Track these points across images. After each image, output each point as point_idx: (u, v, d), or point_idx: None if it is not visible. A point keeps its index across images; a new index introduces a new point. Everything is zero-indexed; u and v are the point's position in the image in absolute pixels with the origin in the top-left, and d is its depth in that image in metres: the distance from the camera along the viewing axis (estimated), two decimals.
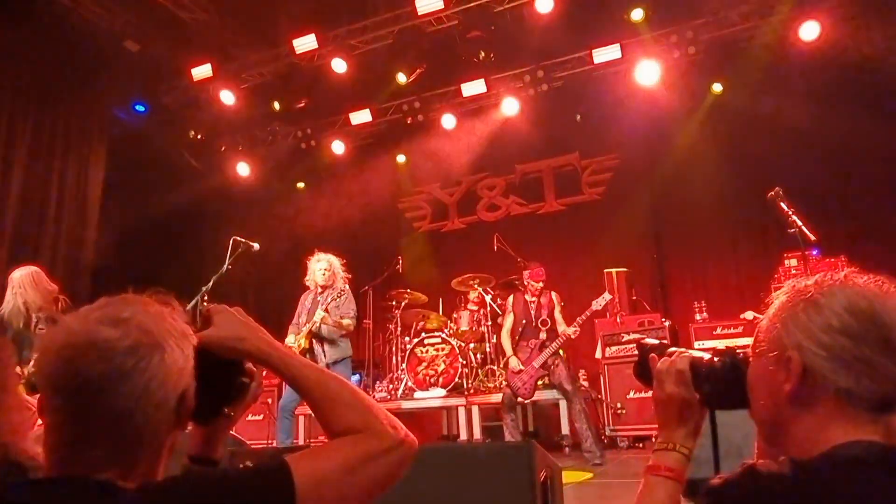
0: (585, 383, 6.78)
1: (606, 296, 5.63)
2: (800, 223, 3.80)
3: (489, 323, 7.05)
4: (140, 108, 9.06)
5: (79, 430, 0.91)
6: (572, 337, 5.54)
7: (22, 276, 4.37)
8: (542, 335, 5.58)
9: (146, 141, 9.09)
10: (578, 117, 8.49)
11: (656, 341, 1.31)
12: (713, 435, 1.21)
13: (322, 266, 5.35)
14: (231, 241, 4.78)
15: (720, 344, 1.35)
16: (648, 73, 7.36)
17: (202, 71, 8.02)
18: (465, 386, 6.66)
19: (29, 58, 7.44)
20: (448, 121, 8.57)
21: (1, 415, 1.12)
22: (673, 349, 1.26)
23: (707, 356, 1.19)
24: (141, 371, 0.91)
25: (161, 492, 0.90)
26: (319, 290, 5.32)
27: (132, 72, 8.25)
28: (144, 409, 0.91)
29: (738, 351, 1.15)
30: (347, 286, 5.33)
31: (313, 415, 1.10)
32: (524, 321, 5.71)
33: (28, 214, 7.59)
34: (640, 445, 6.16)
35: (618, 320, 6.68)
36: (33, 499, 0.89)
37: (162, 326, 0.96)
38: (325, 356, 5.11)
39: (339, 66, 7.76)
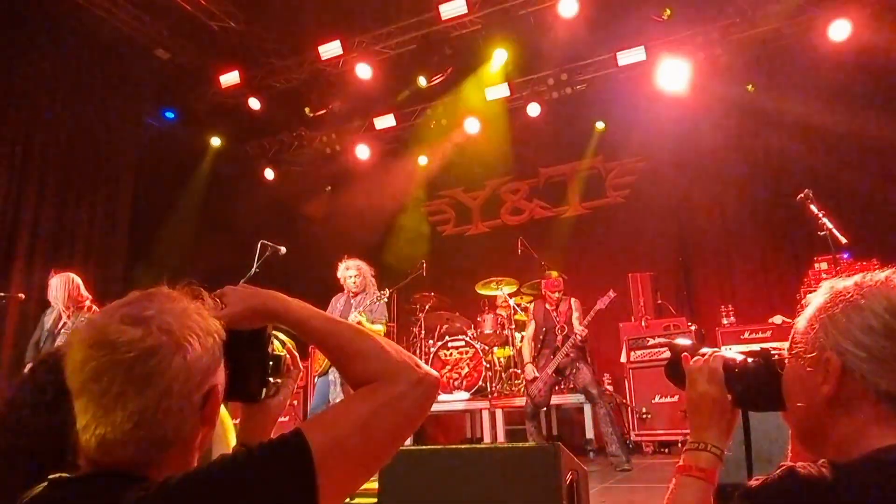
0: (610, 387, 6.74)
1: (611, 293, 5.63)
2: (830, 225, 3.74)
3: (513, 326, 7.05)
4: (170, 114, 9.23)
5: (104, 431, 0.91)
6: (579, 337, 5.53)
7: (56, 280, 4.88)
8: (559, 342, 5.62)
9: (175, 147, 9.26)
10: (601, 125, 8.45)
11: (688, 341, 1.31)
12: (746, 436, 1.20)
13: (352, 273, 5.40)
14: (259, 245, 4.84)
15: (748, 349, 1.35)
16: (673, 75, 7.31)
17: (230, 78, 8.15)
18: (489, 389, 6.66)
19: (63, 66, 7.64)
20: (472, 125, 8.59)
21: None
22: (705, 349, 1.26)
23: (741, 357, 1.19)
24: (162, 372, 0.91)
25: (180, 482, 0.89)
26: (352, 294, 5.38)
27: (162, 79, 8.43)
28: (167, 410, 0.91)
29: (772, 352, 1.15)
30: (379, 291, 5.38)
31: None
32: (545, 329, 5.78)
33: (63, 221, 7.78)
34: (666, 451, 6.10)
35: (643, 324, 6.63)
36: (68, 495, 0.91)
37: (184, 324, 0.95)
38: None
39: (363, 71, 7.84)
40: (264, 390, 1.16)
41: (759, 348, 1.17)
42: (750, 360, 1.16)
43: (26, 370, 1.35)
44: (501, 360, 7.10)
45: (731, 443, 1.19)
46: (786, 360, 1.09)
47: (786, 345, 1.09)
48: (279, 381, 1.19)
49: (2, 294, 5.87)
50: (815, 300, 1.03)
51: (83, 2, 7.11)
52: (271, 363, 1.16)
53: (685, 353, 1.26)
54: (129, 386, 0.89)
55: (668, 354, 1.32)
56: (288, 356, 1.22)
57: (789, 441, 1.20)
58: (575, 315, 5.70)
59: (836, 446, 0.96)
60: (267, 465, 0.91)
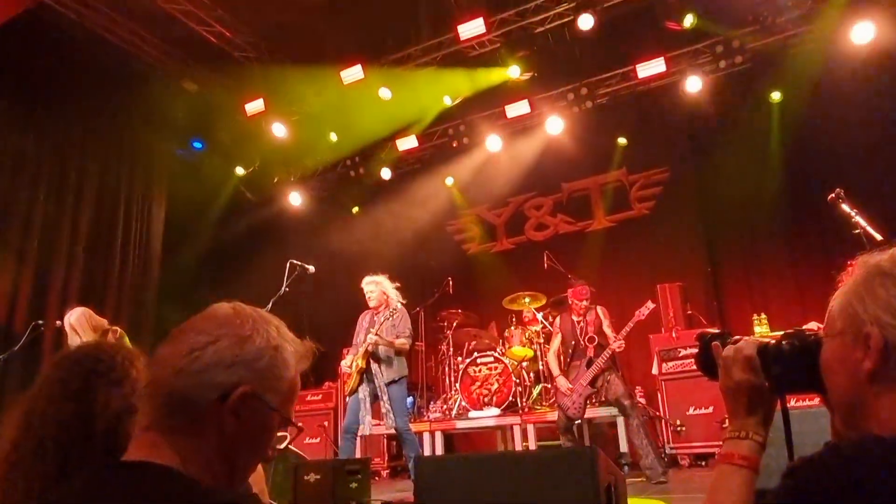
0: (642, 400, 6.64)
1: (650, 304, 5.57)
2: (864, 223, 3.66)
3: (541, 341, 7.01)
4: (198, 144, 9.48)
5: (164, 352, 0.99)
6: (617, 351, 5.48)
7: (77, 318, 4.62)
8: (590, 352, 5.54)
9: (204, 176, 9.49)
10: (623, 141, 8.45)
11: (716, 330, 1.29)
12: (785, 421, 1.17)
13: (370, 288, 5.45)
14: (288, 265, 4.92)
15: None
16: (694, 84, 7.29)
17: (255, 106, 8.34)
18: (520, 405, 6.62)
19: (95, 101, 7.91)
20: (493, 142, 8.65)
21: None
22: (737, 337, 1.24)
23: (774, 341, 1.17)
24: (225, 324, 0.99)
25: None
26: (375, 310, 5.42)
27: (190, 110, 8.67)
28: (207, 361, 0.97)
29: (807, 333, 1.13)
30: (401, 305, 5.40)
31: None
32: (573, 342, 5.69)
33: (97, 252, 8.01)
34: (703, 464, 5.98)
35: (673, 335, 6.54)
36: (111, 480, 0.93)
37: (278, 335, 1.03)
38: (381, 375, 5.18)
39: (385, 94, 7.96)
40: None
41: (793, 330, 1.16)
42: (784, 342, 1.14)
43: (47, 366, 1.40)
44: (531, 374, 7.05)
45: (769, 449, 1.15)
46: (823, 341, 1.08)
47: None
48: None
49: (40, 322, 6.02)
50: (851, 276, 1.02)
51: (113, 38, 7.39)
52: None
53: (715, 342, 1.23)
54: (194, 327, 1.00)
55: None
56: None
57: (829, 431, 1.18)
58: (605, 323, 5.62)
59: (881, 423, 0.94)
60: None
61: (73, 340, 4.39)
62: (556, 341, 5.87)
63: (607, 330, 5.59)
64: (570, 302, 5.85)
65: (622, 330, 5.49)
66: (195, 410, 0.95)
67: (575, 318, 5.73)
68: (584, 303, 5.70)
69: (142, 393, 1.02)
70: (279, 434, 1.06)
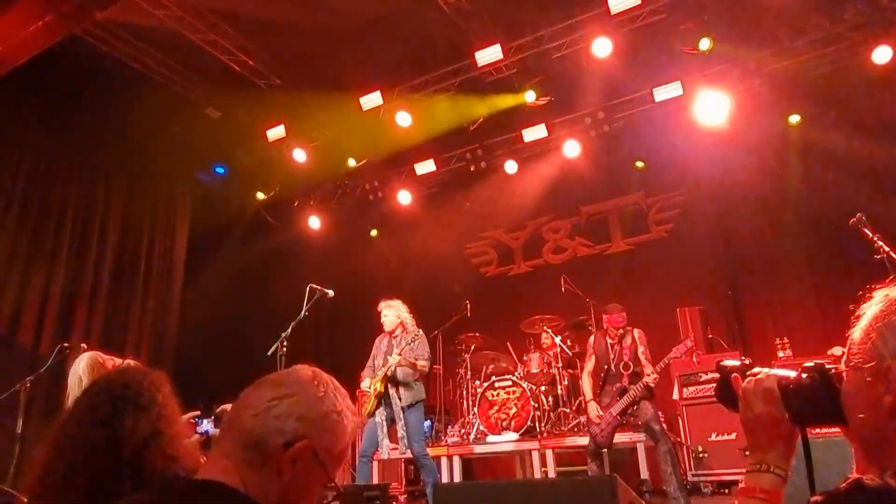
0: (664, 426, 6.54)
1: (688, 342, 5.41)
2: (887, 248, 3.63)
3: (560, 365, 6.97)
4: (220, 169, 9.65)
5: (251, 396, 1.15)
6: (651, 385, 5.31)
7: (83, 367, 4.22)
8: (625, 380, 5.41)
9: (225, 200, 9.65)
10: (640, 164, 8.44)
11: (737, 362, 1.29)
12: (806, 453, 1.17)
13: (386, 314, 5.47)
14: (308, 289, 4.96)
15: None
16: (712, 108, 7.28)
17: (276, 132, 8.49)
18: (538, 429, 6.56)
19: (121, 127, 8.09)
20: (511, 166, 8.69)
21: (173, 440, 1.37)
22: (756, 369, 1.24)
23: (794, 374, 1.17)
24: (299, 382, 1.15)
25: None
26: (393, 334, 5.44)
27: (213, 136, 8.84)
28: (280, 412, 1.11)
29: (827, 366, 1.13)
30: (420, 330, 5.42)
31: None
32: (605, 366, 5.54)
33: (121, 276, 8.14)
34: (726, 492, 5.86)
35: (694, 360, 6.46)
36: (189, 490, 1.08)
37: (341, 403, 1.19)
38: (399, 399, 5.18)
39: (403, 119, 8.07)
40: None
41: (813, 363, 1.16)
42: (804, 375, 1.14)
43: (80, 393, 1.44)
44: (550, 398, 7.00)
45: (793, 476, 1.15)
46: (843, 374, 1.08)
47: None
48: None
49: (66, 345, 6.12)
50: (870, 310, 1.03)
51: (140, 67, 7.59)
52: None
53: (735, 375, 1.23)
54: (277, 380, 1.18)
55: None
56: None
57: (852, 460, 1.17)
58: (641, 349, 5.45)
59: None
60: None
61: (73, 392, 3.70)
62: (591, 363, 5.69)
63: (642, 357, 5.42)
64: (604, 326, 5.69)
65: (658, 364, 5.32)
66: (263, 450, 1.09)
67: (609, 341, 5.57)
68: (621, 330, 5.55)
69: (222, 426, 1.18)
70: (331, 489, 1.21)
